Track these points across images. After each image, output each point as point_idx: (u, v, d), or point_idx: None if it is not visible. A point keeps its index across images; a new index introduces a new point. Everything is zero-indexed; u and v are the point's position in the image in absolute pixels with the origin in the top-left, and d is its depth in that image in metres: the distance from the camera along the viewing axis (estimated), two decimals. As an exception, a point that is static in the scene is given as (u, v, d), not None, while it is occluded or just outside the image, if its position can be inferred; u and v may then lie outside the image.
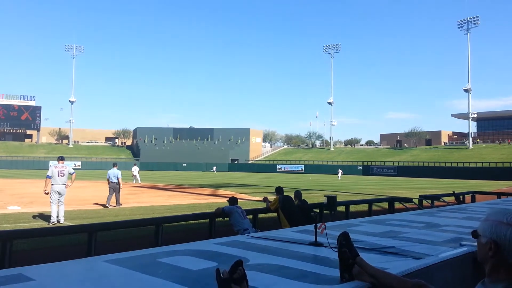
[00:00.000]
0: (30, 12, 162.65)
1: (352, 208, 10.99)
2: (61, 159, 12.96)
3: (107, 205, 16.09)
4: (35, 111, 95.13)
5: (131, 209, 15.35)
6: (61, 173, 12.35)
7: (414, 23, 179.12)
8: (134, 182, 33.61)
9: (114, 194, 16.53)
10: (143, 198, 20.65)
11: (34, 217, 12.92)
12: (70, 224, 11.16)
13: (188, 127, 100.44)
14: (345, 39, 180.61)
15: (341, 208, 10.22)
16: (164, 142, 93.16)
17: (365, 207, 11.88)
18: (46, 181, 12.48)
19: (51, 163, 13.23)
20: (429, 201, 11.92)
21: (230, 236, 4.68)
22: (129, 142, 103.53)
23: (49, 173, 12.44)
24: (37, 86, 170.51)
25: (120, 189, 16.82)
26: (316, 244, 3.53)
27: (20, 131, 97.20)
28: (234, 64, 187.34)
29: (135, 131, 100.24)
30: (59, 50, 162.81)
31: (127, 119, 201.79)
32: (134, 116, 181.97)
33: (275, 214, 8.28)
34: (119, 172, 16.88)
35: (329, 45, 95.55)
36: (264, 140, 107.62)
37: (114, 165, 17.44)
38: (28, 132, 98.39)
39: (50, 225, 11.52)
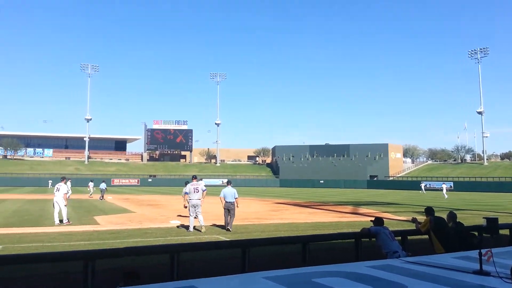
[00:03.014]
0: (175, 49, 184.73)
1: (518, 231, 9.71)
2: (194, 177, 14.94)
3: (226, 228, 14.23)
4: (187, 134, 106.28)
5: (275, 225, 16.02)
6: (195, 189, 14.29)
7: None
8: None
9: (228, 215, 14.32)
10: (286, 214, 21.31)
11: (186, 228, 14.41)
12: (225, 239, 12.13)
13: (324, 144, 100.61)
14: (494, 41, 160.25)
15: (504, 232, 9.12)
16: (301, 160, 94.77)
17: (534, 231, 10.37)
18: (185, 197, 14.76)
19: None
20: None
21: (382, 260, 4.61)
22: (268, 160, 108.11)
23: (186, 189, 14.58)
24: (188, 111, 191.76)
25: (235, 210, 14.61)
26: (482, 273, 3.29)
27: (176, 152, 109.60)
28: (369, 76, 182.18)
29: (273, 149, 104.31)
30: (205, 78, 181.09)
31: (266, 138, 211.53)
32: (273, 135, 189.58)
33: (425, 237, 7.81)
34: (235, 191, 14.70)
35: (475, 50, 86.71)
36: (404, 155, 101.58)
37: (229, 183, 15.33)
38: (183, 153, 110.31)
39: (189, 233, 13.43)
